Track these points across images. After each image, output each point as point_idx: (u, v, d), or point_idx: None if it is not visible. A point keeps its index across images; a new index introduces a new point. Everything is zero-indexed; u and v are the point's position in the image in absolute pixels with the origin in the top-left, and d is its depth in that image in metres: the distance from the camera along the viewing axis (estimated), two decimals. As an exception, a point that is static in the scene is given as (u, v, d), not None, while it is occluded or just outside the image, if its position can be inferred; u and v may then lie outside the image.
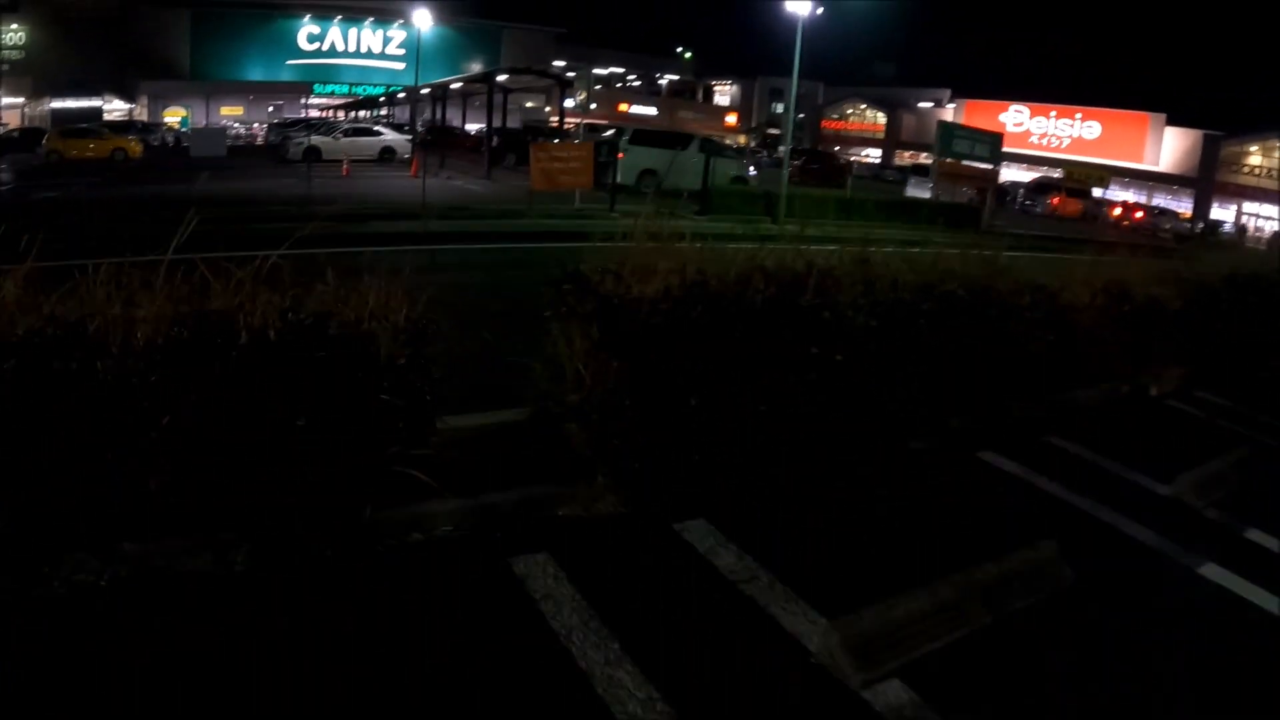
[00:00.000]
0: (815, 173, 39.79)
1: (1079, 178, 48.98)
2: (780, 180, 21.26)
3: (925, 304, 5.80)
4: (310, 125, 36.63)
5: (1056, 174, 53.01)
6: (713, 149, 25.34)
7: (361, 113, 53.59)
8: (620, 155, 22.23)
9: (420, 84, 36.37)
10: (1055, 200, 42.57)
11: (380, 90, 59.85)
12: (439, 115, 44.07)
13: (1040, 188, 45.99)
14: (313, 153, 29.68)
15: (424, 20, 33.86)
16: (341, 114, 55.42)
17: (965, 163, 27.28)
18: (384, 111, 54.65)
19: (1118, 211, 44.83)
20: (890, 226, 18.66)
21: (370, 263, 4.26)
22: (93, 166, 27.89)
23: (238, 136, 46.67)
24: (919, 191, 34.03)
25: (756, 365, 4.98)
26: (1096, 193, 47.14)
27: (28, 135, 34.30)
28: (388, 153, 31.70)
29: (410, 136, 33.32)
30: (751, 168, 32.44)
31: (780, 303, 5.09)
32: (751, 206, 20.62)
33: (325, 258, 4.25)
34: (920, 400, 5.84)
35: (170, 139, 46.75)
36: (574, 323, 4.73)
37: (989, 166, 28.15)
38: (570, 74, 32.09)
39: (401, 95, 46.06)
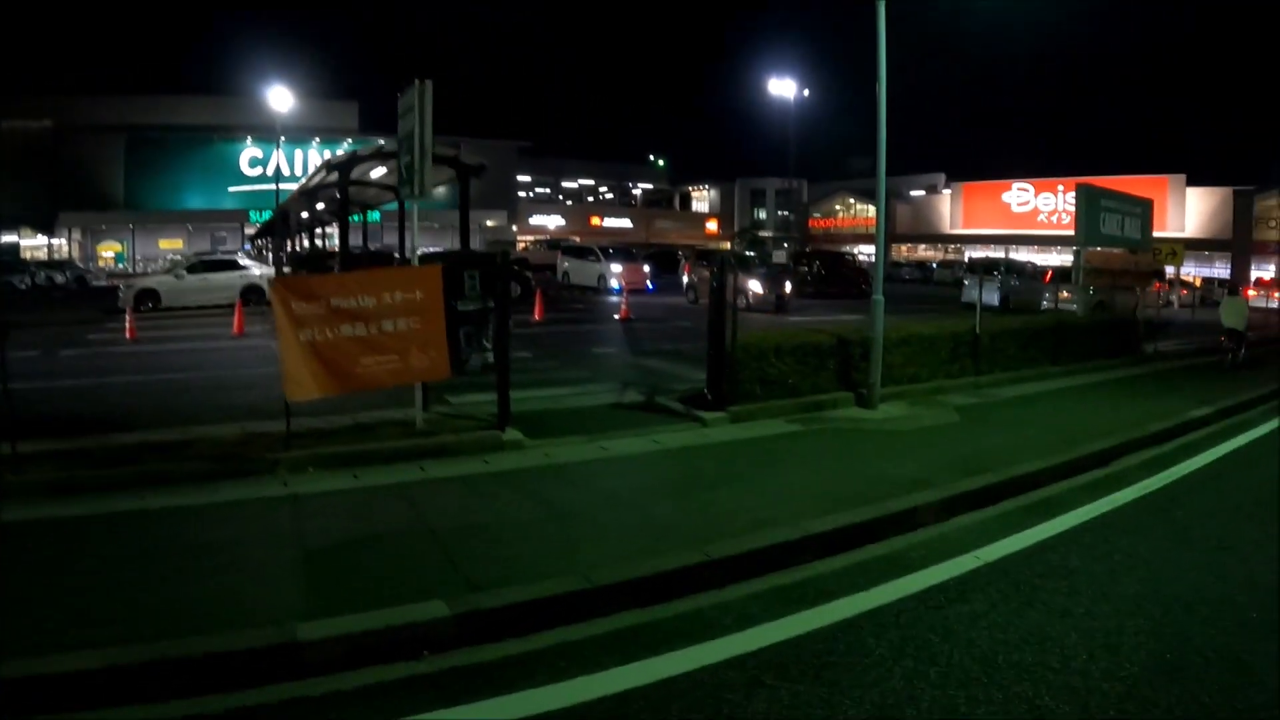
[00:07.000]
0: (825, 280, 33.01)
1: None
2: (873, 318, 10.09)
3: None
4: (200, 262, 30.89)
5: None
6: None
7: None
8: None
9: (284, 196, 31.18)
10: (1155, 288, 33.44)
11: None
12: (361, 238, 39.00)
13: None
14: (148, 297, 24.13)
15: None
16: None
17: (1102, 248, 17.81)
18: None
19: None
20: (1051, 376, 13.00)
21: None
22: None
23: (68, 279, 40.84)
24: (987, 297, 22.03)
25: None
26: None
27: None
28: (254, 292, 24.34)
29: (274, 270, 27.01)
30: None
31: None
32: (815, 373, 10.10)
33: None
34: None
35: (72, 280, 41.62)
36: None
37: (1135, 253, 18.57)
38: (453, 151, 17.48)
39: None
